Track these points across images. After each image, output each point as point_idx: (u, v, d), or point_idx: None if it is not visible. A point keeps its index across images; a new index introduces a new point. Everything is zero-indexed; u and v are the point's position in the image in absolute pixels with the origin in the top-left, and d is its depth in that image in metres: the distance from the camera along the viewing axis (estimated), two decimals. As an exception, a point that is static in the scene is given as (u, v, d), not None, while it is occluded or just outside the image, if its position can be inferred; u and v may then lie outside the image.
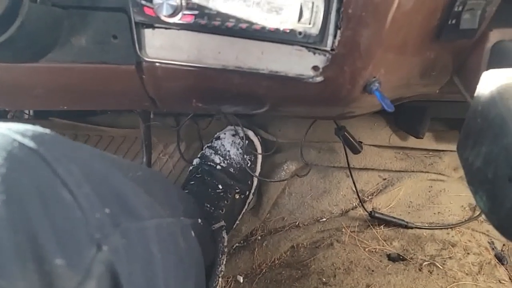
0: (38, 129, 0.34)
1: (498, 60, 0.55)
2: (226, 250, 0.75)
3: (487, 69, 0.57)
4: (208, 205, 0.81)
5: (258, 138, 0.96)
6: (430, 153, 1.04)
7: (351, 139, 0.85)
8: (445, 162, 1.02)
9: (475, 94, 0.45)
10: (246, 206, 0.95)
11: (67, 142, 0.37)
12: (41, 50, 0.53)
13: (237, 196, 0.88)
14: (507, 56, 0.54)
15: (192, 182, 0.86)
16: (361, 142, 0.89)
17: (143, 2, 0.48)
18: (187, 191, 0.83)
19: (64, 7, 0.51)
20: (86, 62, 0.57)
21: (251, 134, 0.95)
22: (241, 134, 0.91)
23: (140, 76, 0.59)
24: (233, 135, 0.93)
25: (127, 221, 0.36)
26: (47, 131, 0.35)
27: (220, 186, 0.86)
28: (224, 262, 0.74)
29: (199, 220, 0.55)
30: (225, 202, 0.84)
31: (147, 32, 0.53)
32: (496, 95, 0.41)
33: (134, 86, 0.61)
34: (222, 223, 0.77)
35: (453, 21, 0.52)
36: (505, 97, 0.41)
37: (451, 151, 1.03)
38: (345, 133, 0.84)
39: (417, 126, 0.96)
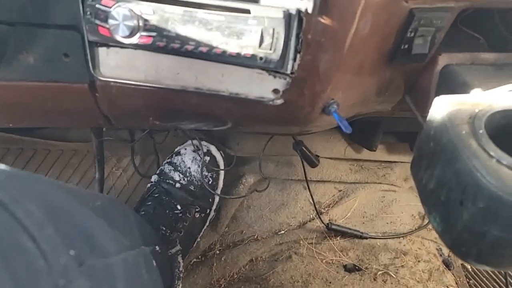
0: None
1: (446, 82, 0.58)
2: (182, 275, 0.73)
3: (436, 91, 0.60)
4: (164, 228, 0.78)
5: (220, 153, 0.94)
6: (383, 164, 1.07)
7: (308, 153, 0.86)
8: (396, 173, 1.06)
9: (428, 119, 0.47)
10: (207, 224, 0.93)
11: (24, 177, 0.34)
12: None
13: (197, 215, 0.86)
14: (454, 79, 0.57)
15: (149, 203, 0.83)
16: (318, 156, 0.90)
17: (98, 22, 0.46)
18: (143, 212, 0.80)
19: (10, 23, 0.48)
20: (35, 81, 0.54)
21: (213, 149, 0.93)
22: (203, 150, 0.89)
23: (93, 94, 0.56)
24: (194, 151, 0.91)
25: (92, 258, 0.34)
26: (2, 166, 0.32)
27: (178, 207, 0.83)
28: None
29: (157, 247, 0.54)
30: (184, 223, 0.82)
31: (101, 51, 0.51)
32: (447, 121, 0.43)
33: (87, 104, 0.58)
34: (178, 247, 0.74)
35: (406, 46, 0.54)
36: (455, 123, 0.43)
37: (402, 162, 1.07)
38: (303, 147, 0.85)
39: (371, 139, 0.99)
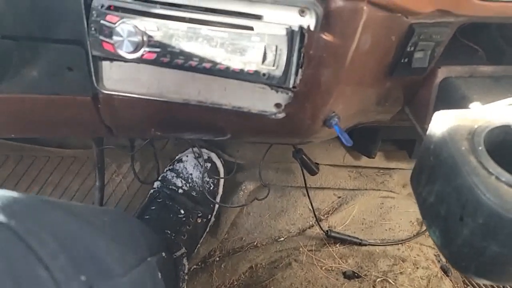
0: (6, 195, 0.33)
1: (445, 95, 0.59)
2: (186, 277, 0.74)
3: (435, 103, 0.61)
4: (169, 232, 0.80)
5: (220, 161, 0.96)
6: (381, 171, 1.08)
7: (308, 161, 0.87)
8: (395, 180, 1.07)
9: (427, 133, 0.48)
10: (207, 229, 0.94)
11: (36, 205, 0.36)
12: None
13: (199, 220, 0.88)
14: (453, 91, 0.58)
15: (153, 207, 0.85)
16: (318, 164, 0.91)
17: (102, 38, 0.46)
18: (147, 216, 0.82)
19: (14, 38, 0.48)
20: (38, 93, 0.54)
21: (213, 156, 0.95)
22: (204, 157, 0.90)
23: (96, 106, 0.56)
24: (196, 158, 0.92)
25: (101, 282, 0.35)
26: (15, 194, 0.33)
27: (182, 211, 0.85)
28: (184, 290, 0.73)
29: (163, 254, 0.55)
30: (187, 227, 0.84)
31: (105, 65, 0.51)
32: (447, 136, 0.44)
33: (89, 116, 0.59)
34: (183, 250, 0.76)
35: (406, 60, 0.55)
36: (455, 138, 0.43)
37: (400, 169, 1.08)
38: (303, 155, 0.86)
39: (370, 146, 1.00)
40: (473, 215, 0.39)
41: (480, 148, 0.41)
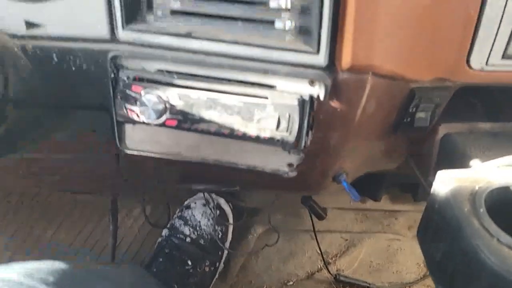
0: (55, 268, 0.36)
1: (447, 150, 0.62)
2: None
3: (437, 157, 0.64)
4: (176, 286, 0.81)
5: (229, 206, 0.98)
6: (387, 213, 1.10)
7: (316, 207, 0.89)
8: (400, 222, 1.09)
9: (432, 192, 0.50)
10: (216, 276, 0.95)
11: (81, 275, 0.38)
12: (20, 147, 0.53)
13: (207, 269, 0.89)
14: (454, 147, 0.61)
15: (161, 259, 0.86)
16: (326, 209, 0.93)
17: (127, 106, 0.50)
18: (155, 269, 0.83)
19: (45, 106, 0.52)
20: (62, 153, 0.58)
21: (222, 202, 0.96)
22: (214, 204, 0.92)
23: (117, 163, 0.60)
24: (204, 205, 0.94)
25: None
26: (62, 266, 0.36)
27: (189, 262, 0.86)
28: None
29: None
30: (195, 278, 0.85)
31: (128, 127, 0.55)
32: (450, 197, 0.47)
33: (110, 172, 0.62)
34: None
35: (408, 119, 0.58)
36: (458, 199, 0.46)
37: (405, 211, 1.10)
38: (311, 203, 0.88)
39: (375, 191, 1.02)
40: (478, 276, 0.41)
41: (481, 210, 0.44)
